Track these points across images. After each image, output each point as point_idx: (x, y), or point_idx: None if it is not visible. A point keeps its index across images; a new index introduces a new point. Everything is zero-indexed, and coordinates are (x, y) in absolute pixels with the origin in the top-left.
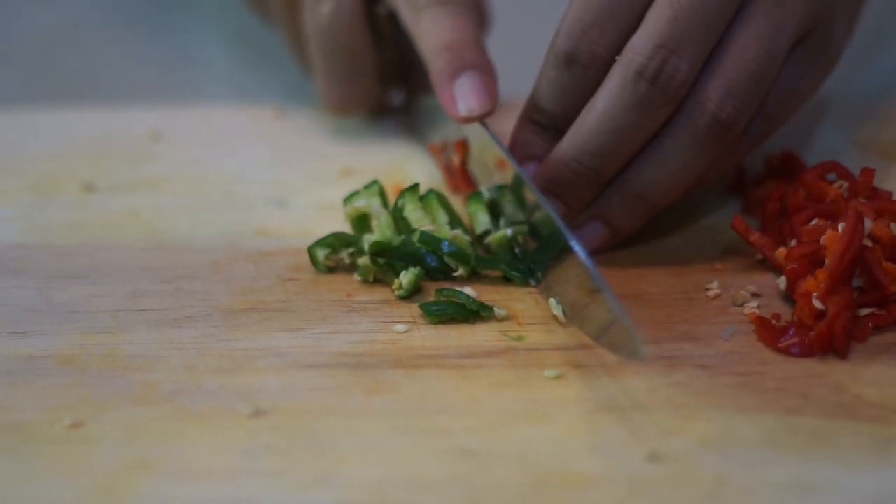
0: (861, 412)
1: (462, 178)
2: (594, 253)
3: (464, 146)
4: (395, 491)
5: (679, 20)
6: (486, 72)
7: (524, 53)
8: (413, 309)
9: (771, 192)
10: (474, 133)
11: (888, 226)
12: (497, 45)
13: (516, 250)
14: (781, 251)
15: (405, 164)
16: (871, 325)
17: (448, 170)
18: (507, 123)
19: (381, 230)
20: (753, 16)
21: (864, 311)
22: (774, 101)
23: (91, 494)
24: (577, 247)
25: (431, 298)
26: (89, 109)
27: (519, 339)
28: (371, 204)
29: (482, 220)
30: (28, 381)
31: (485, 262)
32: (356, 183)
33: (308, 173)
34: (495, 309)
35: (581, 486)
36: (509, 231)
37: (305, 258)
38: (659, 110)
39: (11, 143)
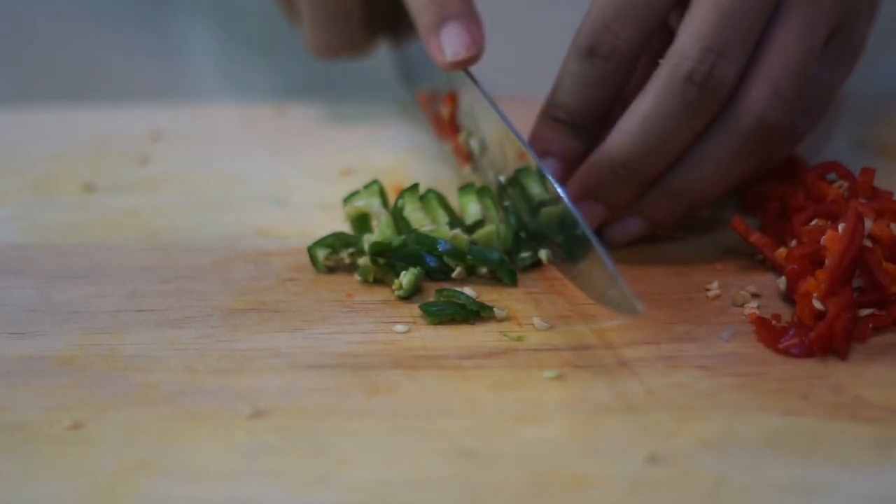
0: (861, 413)
1: (451, 128)
2: (627, 244)
3: (453, 99)
4: (395, 491)
5: (724, 22)
6: (470, 19)
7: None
8: (413, 309)
9: (771, 192)
10: (465, 89)
11: (888, 226)
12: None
13: (521, 234)
14: (781, 251)
15: (405, 164)
16: (871, 325)
17: (436, 119)
18: (524, 120)
19: (380, 230)
20: (790, 15)
21: (865, 312)
22: (813, 97)
23: (91, 495)
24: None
25: (431, 299)
26: (89, 109)
27: (519, 339)
28: (371, 204)
29: (472, 211)
30: (28, 382)
31: (477, 256)
32: (356, 183)
33: (308, 173)
34: (495, 309)
35: (581, 486)
36: (499, 226)
37: (305, 258)
38: (706, 113)
39: (11, 143)
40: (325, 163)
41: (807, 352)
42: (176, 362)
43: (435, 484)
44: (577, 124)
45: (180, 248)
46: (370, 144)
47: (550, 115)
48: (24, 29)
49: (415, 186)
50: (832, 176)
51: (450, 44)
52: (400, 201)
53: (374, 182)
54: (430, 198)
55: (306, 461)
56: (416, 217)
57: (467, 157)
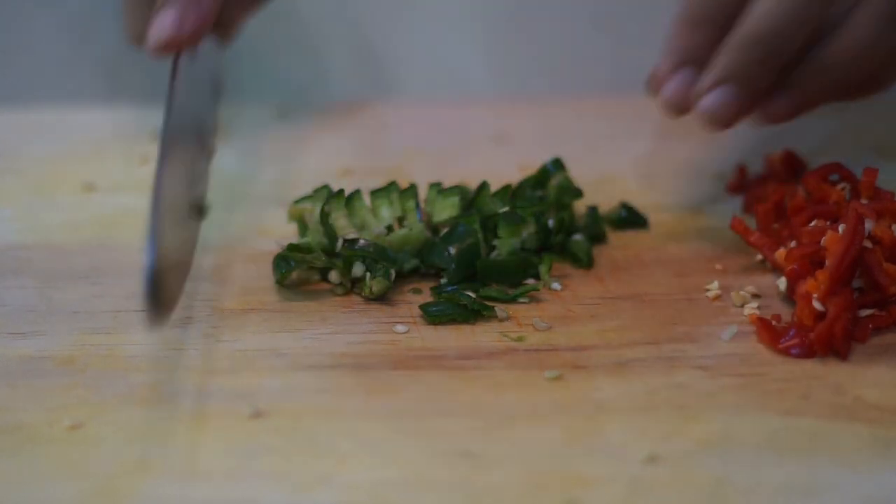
0: (861, 413)
1: None
2: (779, 121)
3: None
4: (395, 492)
5: None
6: (187, 4)
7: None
8: (413, 309)
9: (768, 192)
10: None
11: (889, 227)
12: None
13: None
14: (781, 252)
15: (405, 164)
16: (871, 325)
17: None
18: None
19: (311, 234)
20: None
21: (865, 312)
22: None
23: (91, 495)
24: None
25: (430, 299)
26: (89, 109)
27: (519, 339)
28: (315, 208)
29: (385, 214)
30: (28, 382)
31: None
32: (356, 183)
33: (308, 173)
34: (496, 309)
35: (581, 487)
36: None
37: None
38: None
39: (11, 143)
40: (325, 163)
41: (807, 352)
42: (176, 362)
43: (435, 484)
44: (718, 24)
45: None
46: (370, 144)
47: (691, 20)
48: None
49: (339, 192)
50: (836, 177)
51: (157, 27)
52: (326, 207)
53: (325, 187)
54: (354, 199)
55: (306, 462)
56: (341, 224)
57: None
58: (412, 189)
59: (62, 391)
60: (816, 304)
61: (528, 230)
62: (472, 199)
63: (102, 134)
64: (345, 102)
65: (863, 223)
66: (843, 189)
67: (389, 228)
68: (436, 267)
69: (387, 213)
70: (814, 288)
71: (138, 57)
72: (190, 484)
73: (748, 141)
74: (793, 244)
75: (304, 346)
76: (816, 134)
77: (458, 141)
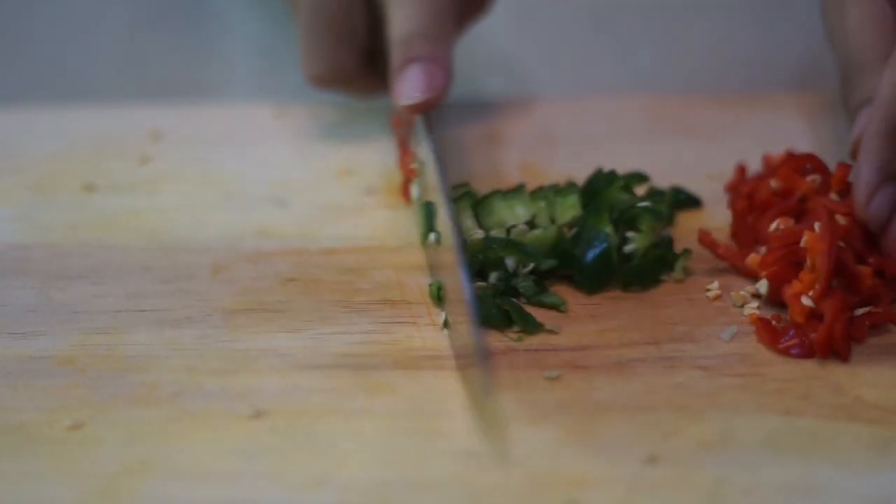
0: (861, 414)
1: (403, 154)
2: None
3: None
4: (394, 492)
5: None
6: (433, 62)
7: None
8: (413, 309)
9: (740, 188)
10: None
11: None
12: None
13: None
14: (754, 258)
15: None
16: (868, 323)
17: (402, 144)
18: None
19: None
20: None
21: (860, 311)
22: None
23: (91, 495)
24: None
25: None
26: (89, 109)
27: (519, 339)
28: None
29: (519, 213)
30: (28, 382)
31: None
32: (356, 183)
33: (308, 173)
34: (547, 326)
35: (581, 487)
36: None
37: (305, 258)
38: None
39: (11, 143)
40: (325, 163)
41: (807, 352)
42: (176, 362)
43: (435, 484)
44: None
45: (180, 248)
46: (370, 144)
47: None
48: (24, 29)
49: (466, 193)
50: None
51: (406, 87)
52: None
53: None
54: (494, 200)
55: (306, 462)
56: (467, 224)
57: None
58: (542, 191)
59: (62, 391)
60: (806, 301)
61: (665, 225)
62: (592, 195)
63: (102, 134)
64: (345, 103)
65: (834, 219)
66: (812, 181)
67: (531, 225)
68: (570, 269)
69: (522, 212)
70: (800, 289)
71: (138, 57)
72: (190, 484)
73: (748, 141)
74: (762, 250)
75: (304, 346)
76: (818, 134)
77: (456, 141)
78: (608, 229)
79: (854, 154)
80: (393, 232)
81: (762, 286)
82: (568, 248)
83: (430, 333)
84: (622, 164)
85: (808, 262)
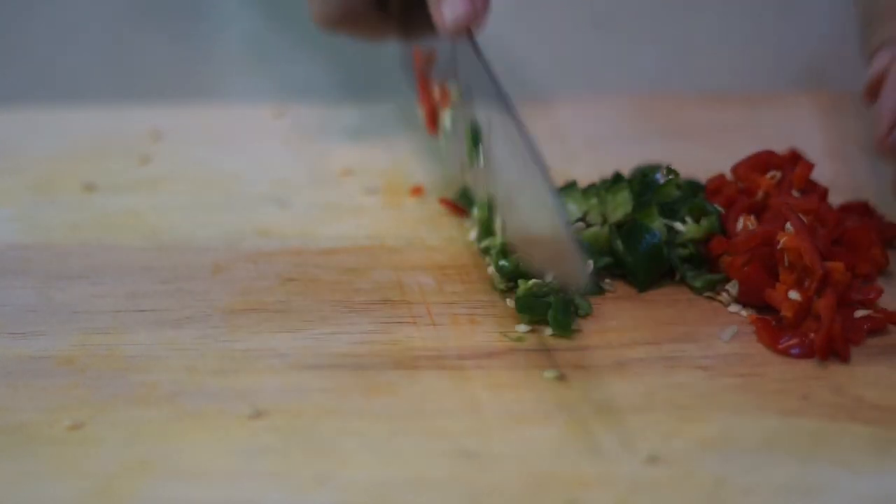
0: (861, 414)
1: (422, 86)
2: None
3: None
4: (394, 492)
5: None
6: None
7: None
8: (413, 309)
9: (715, 185)
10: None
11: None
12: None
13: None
14: (726, 258)
15: (405, 165)
16: (865, 326)
17: (422, 78)
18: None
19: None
20: None
21: (859, 314)
22: None
23: (91, 495)
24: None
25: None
26: (89, 109)
27: (519, 339)
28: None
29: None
30: (28, 382)
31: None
32: (356, 183)
33: (308, 173)
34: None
35: (581, 487)
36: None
37: (305, 258)
38: None
39: (11, 143)
40: (325, 163)
41: (807, 352)
42: (176, 362)
43: (435, 484)
44: None
45: (180, 248)
46: (370, 144)
47: None
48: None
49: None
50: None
51: (449, 7)
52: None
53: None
54: None
55: (306, 462)
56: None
57: (435, 122)
58: (593, 188)
59: (62, 391)
60: (793, 294)
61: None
62: (647, 193)
63: (102, 134)
64: (345, 103)
65: (798, 217)
66: (772, 178)
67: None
68: (623, 268)
69: (575, 210)
70: (784, 289)
71: (138, 57)
72: (190, 484)
73: (748, 141)
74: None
75: (304, 346)
76: (818, 134)
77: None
78: (660, 225)
79: (870, 92)
80: (393, 232)
81: (732, 287)
82: (619, 245)
83: (430, 333)
84: (622, 164)
85: (787, 262)
